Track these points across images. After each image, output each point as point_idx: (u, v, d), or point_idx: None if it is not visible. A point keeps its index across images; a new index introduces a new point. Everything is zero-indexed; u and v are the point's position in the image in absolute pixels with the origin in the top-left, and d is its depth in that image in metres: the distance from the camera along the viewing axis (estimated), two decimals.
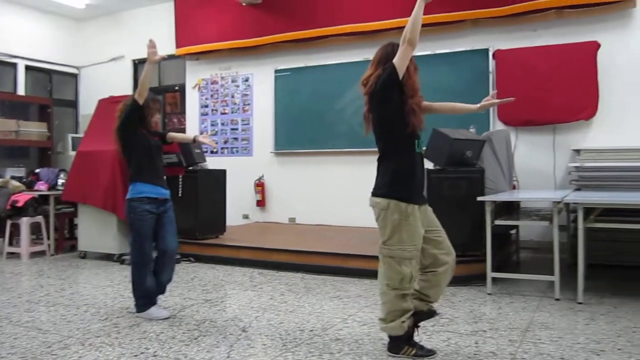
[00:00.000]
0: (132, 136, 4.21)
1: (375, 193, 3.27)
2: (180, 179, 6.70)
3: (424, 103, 3.34)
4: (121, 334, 3.82)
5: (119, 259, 6.63)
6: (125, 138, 4.22)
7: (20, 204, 6.97)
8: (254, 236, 7.46)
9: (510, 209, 5.83)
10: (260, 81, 9.03)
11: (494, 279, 4.97)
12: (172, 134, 4.66)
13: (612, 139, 6.43)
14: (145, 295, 4.24)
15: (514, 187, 6.54)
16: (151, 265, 4.25)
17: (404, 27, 3.06)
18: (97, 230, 6.76)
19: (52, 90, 10.63)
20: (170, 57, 9.03)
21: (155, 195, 4.20)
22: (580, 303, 4.48)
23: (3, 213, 7.07)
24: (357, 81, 3.38)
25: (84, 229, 6.96)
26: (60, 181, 7.65)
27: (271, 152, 8.90)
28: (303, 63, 8.58)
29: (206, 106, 9.59)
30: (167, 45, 8.98)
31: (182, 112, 9.99)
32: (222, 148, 9.37)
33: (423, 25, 3.06)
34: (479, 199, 4.92)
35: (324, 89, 8.37)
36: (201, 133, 9.21)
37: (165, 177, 4.45)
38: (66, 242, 7.68)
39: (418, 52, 3.21)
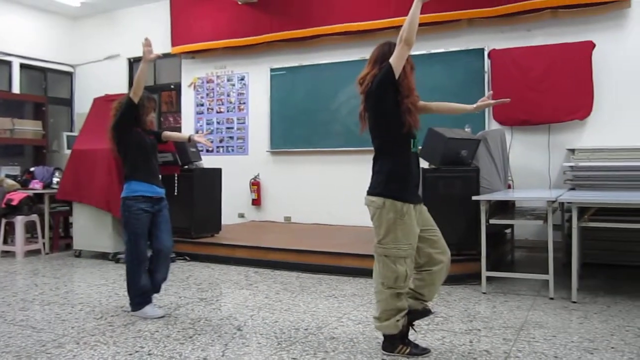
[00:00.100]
0: (127, 135, 4.21)
1: (370, 192, 3.27)
2: (176, 178, 6.69)
3: (420, 103, 3.35)
4: (116, 332, 3.82)
5: (114, 257, 6.62)
6: (120, 137, 4.22)
7: (15, 203, 6.96)
8: (249, 235, 7.45)
9: (505, 208, 5.85)
10: (255, 80, 9.03)
11: (489, 278, 4.98)
12: (167, 133, 4.67)
13: (607, 138, 6.45)
14: (140, 294, 4.23)
15: (509, 187, 6.55)
16: (146, 264, 4.25)
17: (399, 26, 3.07)
18: (92, 229, 6.75)
19: (47, 89, 10.60)
20: (166, 55, 9.01)
21: (150, 193, 4.20)
22: (574, 302, 4.50)
23: None
24: (352, 80, 3.39)
25: (79, 227, 6.94)
26: (55, 180, 7.63)
27: (267, 151, 8.90)
28: (298, 62, 8.58)
29: (202, 105, 9.59)
30: (162, 44, 8.96)
31: (178, 110, 9.97)
32: (217, 147, 9.36)
33: (418, 25, 3.06)
34: (474, 198, 4.94)
35: (320, 88, 8.37)
36: (197, 132, 9.22)
37: (160, 176, 4.45)
38: (61, 240, 7.67)
39: (413, 52, 3.21)
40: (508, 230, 6.45)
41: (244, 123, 9.21)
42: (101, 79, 10.26)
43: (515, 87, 6.79)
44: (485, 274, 4.93)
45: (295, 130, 8.64)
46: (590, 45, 6.57)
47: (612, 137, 6.42)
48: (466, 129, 5.92)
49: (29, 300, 4.79)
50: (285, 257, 6.12)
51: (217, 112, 9.44)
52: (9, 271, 6.16)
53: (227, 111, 9.36)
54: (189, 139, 4.72)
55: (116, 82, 9.94)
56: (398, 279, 3.16)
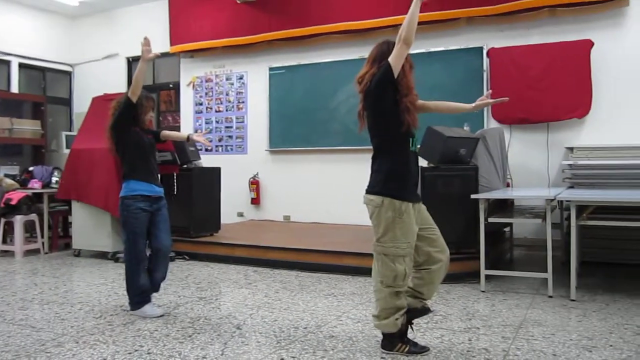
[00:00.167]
0: (125, 134, 4.21)
1: (369, 190, 3.28)
2: (175, 177, 6.69)
3: (419, 102, 3.35)
4: (115, 331, 3.82)
5: (113, 257, 6.62)
6: (118, 136, 4.22)
7: (14, 202, 6.96)
8: (248, 234, 7.46)
9: (504, 206, 5.85)
10: (254, 79, 9.03)
11: (488, 277, 4.99)
12: (166, 132, 4.67)
13: (605, 137, 6.46)
14: (140, 293, 4.23)
15: (508, 185, 6.56)
16: (145, 263, 4.26)
17: (398, 25, 3.07)
18: (91, 228, 6.75)
19: (45, 88, 10.59)
20: (165, 54, 8.98)
21: (148, 193, 4.20)
22: (573, 300, 4.51)
23: None
24: (351, 79, 3.39)
25: (78, 227, 6.94)
26: (54, 179, 7.64)
27: (266, 150, 8.90)
28: (297, 61, 8.58)
29: (201, 104, 9.59)
30: (161, 43, 8.97)
31: (177, 110, 9.97)
32: (216, 146, 9.37)
33: (417, 24, 3.06)
34: (473, 196, 4.94)
35: (319, 87, 8.37)
36: (196, 131, 9.23)
37: (159, 175, 4.45)
38: (60, 240, 7.68)
39: (412, 50, 3.21)
40: (507, 229, 6.46)
41: (243, 122, 9.21)
42: (100, 78, 10.26)
43: (514, 86, 6.80)
44: (484, 272, 4.93)
45: (294, 129, 8.64)
46: (589, 44, 6.57)
47: (611, 136, 6.43)
48: (465, 128, 5.93)
49: (28, 299, 4.79)
50: (284, 256, 6.12)
51: (216, 111, 9.44)
52: (8, 270, 6.17)
53: (226, 110, 9.36)
54: (188, 138, 4.72)
55: (115, 82, 9.94)
56: (397, 277, 3.17)
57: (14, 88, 9.92)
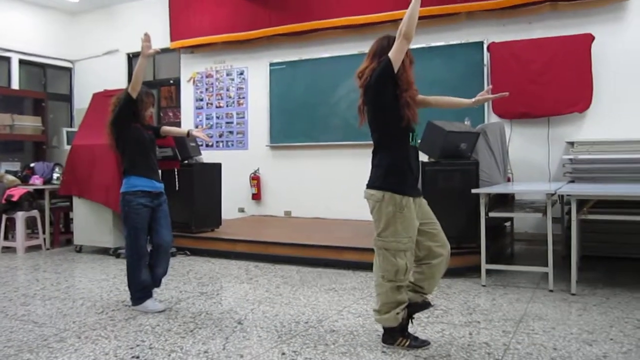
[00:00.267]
0: (125, 130, 4.21)
1: (370, 185, 3.28)
2: (176, 173, 6.70)
3: (419, 96, 3.35)
4: (117, 326, 3.83)
5: (114, 252, 6.63)
6: (118, 132, 4.22)
7: (15, 198, 6.96)
8: (249, 229, 7.47)
9: (504, 201, 5.86)
10: (255, 74, 9.02)
11: (488, 271, 5.00)
12: (166, 128, 4.68)
13: (606, 131, 6.46)
14: (141, 289, 4.24)
15: (508, 180, 6.56)
16: (146, 258, 4.26)
17: (399, 19, 3.07)
18: (93, 224, 6.76)
19: (46, 84, 10.59)
20: (165, 50, 8.98)
21: (149, 188, 4.21)
22: (573, 294, 4.52)
23: None
24: (352, 74, 3.39)
25: (79, 223, 6.96)
26: (55, 175, 7.65)
27: (266, 146, 8.90)
28: (298, 56, 8.57)
29: (201, 100, 9.58)
30: (161, 39, 8.96)
31: (177, 105, 9.97)
32: (217, 142, 9.37)
33: (418, 18, 3.06)
34: (474, 191, 4.94)
35: (319, 82, 8.37)
36: (196, 127, 9.21)
37: (159, 171, 4.46)
38: (62, 236, 7.69)
39: (413, 45, 3.21)
40: (508, 223, 6.46)
41: (243, 118, 9.21)
42: (100, 74, 10.25)
43: (515, 80, 6.80)
44: (484, 266, 4.94)
45: (294, 125, 8.64)
46: (590, 38, 6.56)
47: (611, 130, 6.42)
48: (465, 122, 5.92)
49: (30, 295, 4.81)
50: (285, 251, 6.14)
51: (217, 107, 9.44)
52: (10, 267, 6.18)
53: (227, 106, 9.36)
54: (188, 134, 4.73)
55: (115, 78, 9.92)
56: (398, 272, 3.18)
57: (15, 84, 9.93)
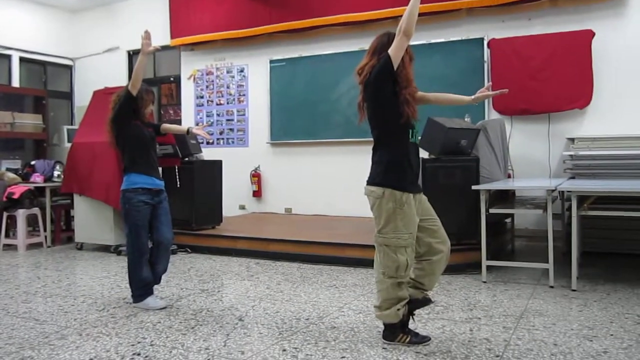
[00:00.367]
0: (125, 127, 4.22)
1: (370, 182, 3.29)
2: (177, 170, 6.70)
3: (419, 93, 3.35)
4: (118, 324, 3.84)
5: (115, 250, 6.64)
6: (119, 129, 4.23)
7: (16, 196, 6.98)
8: (250, 226, 7.48)
9: (505, 197, 5.86)
10: (255, 72, 9.02)
11: (489, 267, 5.00)
12: (166, 125, 4.68)
13: (607, 127, 6.45)
14: (142, 286, 4.25)
15: (509, 176, 6.56)
16: (147, 255, 4.27)
17: (399, 16, 3.07)
18: (94, 221, 6.77)
19: (46, 82, 10.60)
20: (165, 48, 8.98)
21: (149, 185, 4.21)
22: (574, 290, 4.52)
23: None
24: (352, 71, 3.38)
25: (80, 220, 6.96)
26: (56, 173, 7.65)
27: (267, 143, 8.91)
28: (298, 53, 8.57)
29: (201, 97, 9.59)
30: (161, 36, 8.97)
31: (178, 103, 9.97)
32: (217, 139, 9.37)
33: (418, 15, 3.06)
34: (474, 187, 4.94)
35: (319, 79, 8.37)
36: (197, 124, 9.20)
37: (160, 168, 4.46)
38: (63, 233, 7.70)
39: (413, 42, 3.21)
40: (508, 220, 6.46)
41: (244, 115, 9.21)
42: (101, 71, 10.26)
43: (515, 77, 6.80)
44: (485, 263, 4.94)
45: (295, 122, 8.64)
46: (590, 34, 6.56)
47: (612, 126, 6.42)
48: (466, 119, 5.91)
49: (31, 292, 4.82)
50: (286, 248, 6.14)
51: (217, 104, 9.44)
52: (11, 264, 6.19)
53: (227, 103, 9.36)
54: (188, 132, 4.72)
55: (116, 75, 9.93)
56: (399, 268, 3.18)
57: (15, 82, 9.93)
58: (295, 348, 3.28)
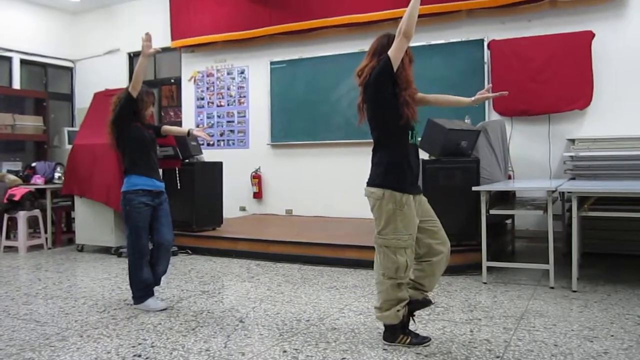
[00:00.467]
0: (126, 129, 4.22)
1: (370, 183, 3.29)
2: (177, 172, 6.71)
3: (418, 95, 3.35)
4: (119, 325, 3.84)
5: (116, 251, 6.65)
6: (119, 131, 4.23)
7: (17, 198, 6.98)
8: (251, 228, 7.48)
9: (505, 198, 5.86)
10: (255, 73, 9.03)
11: (489, 268, 5.00)
12: (167, 127, 4.69)
13: (607, 128, 6.45)
14: (143, 287, 4.25)
15: (509, 177, 6.57)
16: (148, 257, 4.27)
17: (399, 18, 3.08)
18: (95, 223, 6.77)
19: (47, 84, 10.61)
20: (166, 49, 8.99)
21: (150, 187, 4.22)
22: (574, 291, 4.52)
23: (0, 207, 7.08)
24: (352, 73, 3.39)
25: (81, 222, 6.97)
26: (56, 175, 7.66)
27: (267, 144, 8.91)
28: (298, 55, 8.57)
29: (202, 99, 9.59)
30: (162, 38, 8.98)
31: (178, 105, 9.98)
32: (218, 140, 9.38)
33: (418, 16, 3.07)
34: (474, 188, 4.95)
35: (320, 81, 8.37)
36: (197, 126, 9.23)
37: (160, 170, 4.46)
38: (63, 235, 7.71)
39: (413, 43, 3.22)
40: (509, 221, 6.46)
41: (244, 116, 9.22)
42: (101, 73, 10.27)
43: (515, 78, 6.81)
44: (485, 264, 4.94)
45: (295, 123, 8.65)
46: (590, 35, 6.56)
47: (612, 127, 6.42)
48: (466, 120, 5.92)
49: (32, 294, 4.82)
50: (286, 249, 6.15)
51: (218, 106, 9.45)
52: (12, 266, 6.20)
53: (228, 105, 9.37)
54: (188, 133, 4.73)
55: (116, 77, 9.94)
56: (399, 269, 3.18)
57: (16, 84, 9.95)
58: (296, 349, 3.29)
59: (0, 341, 3.52)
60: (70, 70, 10.98)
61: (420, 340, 3.31)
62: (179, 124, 9.69)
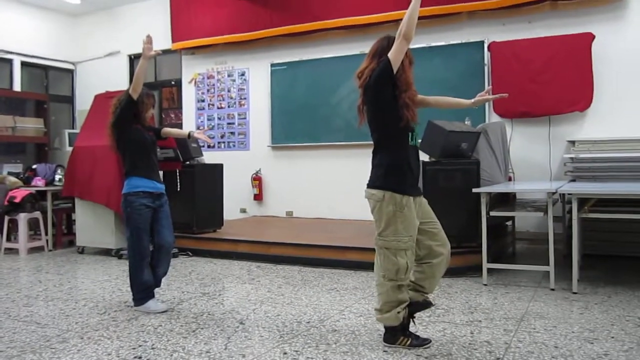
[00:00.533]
0: (126, 131, 4.23)
1: (370, 185, 3.30)
2: (177, 174, 6.71)
3: (418, 96, 3.36)
4: (119, 327, 3.85)
5: (116, 253, 6.64)
6: (119, 133, 4.24)
7: (17, 200, 6.99)
8: (251, 230, 7.48)
9: (506, 200, 5.86)
10: (256, 75, 9.04)
11: (490, 270, 5.00)
12: (167, 129, 4.69)
13: (607, 130, 6.46)
14: (143, 289, 4.25)
15: (509, 179, 6.57)
16: (149, 259, 4.27)
17: (400, 20, 3.08)
18: (95, 225, 6.78)
19: (48, 86, 10.62)
20: (166, 51, 9.01)
21: (151, 189, 4.22)
22: (574, 293, 4.52)
23: (1, 209, 7.09)
24: (353, 75, 3.40)
25: (81, 224, 6.97)
26: (57, 177, 7.66)
27: (268, 146, 8.92)
28: (299, 57, 8.59)
29: (202, 101, 9.60)
30: (162, 40, 8.99)
31: (179, 107, 9.99)
32: (218, 142, 9.39)
33: (418, 18, 3.07)
34: (475, 190, 4.95)
35: (320, 83, 8.38)
36: (198, 128, 9.25)
37: (160, 172, 4.47)
38: (64, 237, 7.71)
39: (413, 45, 3.22)
40: (509, 223, 6.46)
41: (245, 118, 9.22)
42: (102, 75, 10.29)
43: (515, 79, 6.81)
44: (486, 265, 4.94)
45: (296, 125, 8.66)
46: (590, 37, 6.57)
47: (612, 128, 6.43)
48: (466, 122, 5.93)
49: (33, 296, 4.82)
50: (287, 251, 6.15)
51: (218, 108, 9.46)
52: (12, 268, 6.20)
53: (228, 107, 9.38)
54: (189, 136, 4.74)
55: (117, 79, 9.96)
56: (399, 271, 3.18)
57: (17, 86, 9.96)
58: (296, 351, 3.29)
59: (1, 343, 3.53)
60: (70, 72, 10.99)
61: (420, 342, 3.31)
62: (180, 126, 9.70)
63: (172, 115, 10.15)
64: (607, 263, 5.70)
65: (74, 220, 7.33)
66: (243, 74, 9.21)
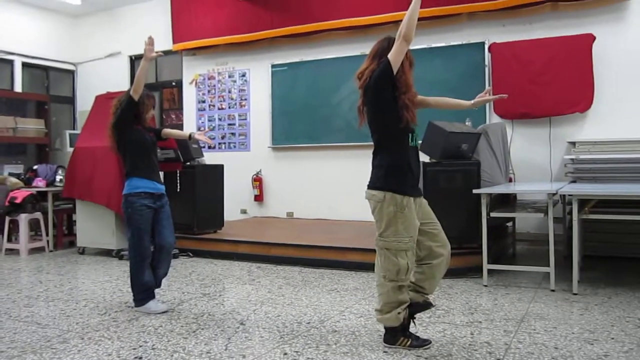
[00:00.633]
0: (127, 132, 4.23)
1: (371, 186, 3.30)
2: (178, 174, 6.71)
3: (418, 97, 3.36)
4: (120, 327, 3.85)
5: (117, 254, 6.65)
6: (120, 134, 4.24)
7: (18, 201, 6.99)
8: (252, 231, 7.49)
9: (506, 201, 5.86)
10: (256, 76, 9.05)
11: (490, 271, 5.00)
12: (168, 130, 4.70)
13: (607, 131, 6.46)
14: (144, 290, 4.26)
15: (510, 180, 6.57)
16: (149, 259, 4.27)
17: (400, 21, 3.08)
18: (96, 226, 6.78)
19: (49, 87, 10.63)
20: (167, 52, 9.02)
21: (151, 190, 4.22)
22: (575, 294, 4.52)
23: (1, 210, 7.09)
24: (353, 75, 3.40)
25: (82, 225, 6.97)
26: (58, 177, 7.66)
27: (268, 147, 8.93)
28: (299, 58, 8.59)
29: (203, 101, 9.61)
30: (163, 41, 9.01)
31: (180, 108, 10.00)
32: (219, 143, 9.39)
33: (419, 19, 3.08)
34: (475, 191, 4.95)
35: (321, 84, 8.39)
36: (199, 129, 9.26)
37: (161, 173, 4.47)
38: (65, 238, 7.71)
39: (414, 46, 3.23)
40: (509, 224, 6.46)
41: (245, 119, 9.23)
42: (103, 76, 10.30)
43: (516, 81, 6.81)
44: (486, 266, 4.94)
45: (296, 126, 8.66)
46: (591, 38, 6.57)
47: (613, 130, 6.43)
48: (467, 123, 5.93)
49: (33, 297, 4.83)
50: (287, 252, 6.15)
51: (219, 109, 9.47)
52: (13, 268, 6.21)
53: (229, 107, 9.39)
54: (190, 137, 4.74)
55: (118, 80, 9.97)
56: (399, 271, 3.19)
57: (18, 87, 9.97)
58: (297, 352, 3.29)
59: (2, 343, 3.53)
60: (71, 73, 11.00)
61: (420, 343, 3.31)
62: (180, 126, 9.71)
63: (173, 116, 10.16)
64: (608, 264, 5.70)
65: (75, 221, 7.34)
66: (244, 75, 9.22)
